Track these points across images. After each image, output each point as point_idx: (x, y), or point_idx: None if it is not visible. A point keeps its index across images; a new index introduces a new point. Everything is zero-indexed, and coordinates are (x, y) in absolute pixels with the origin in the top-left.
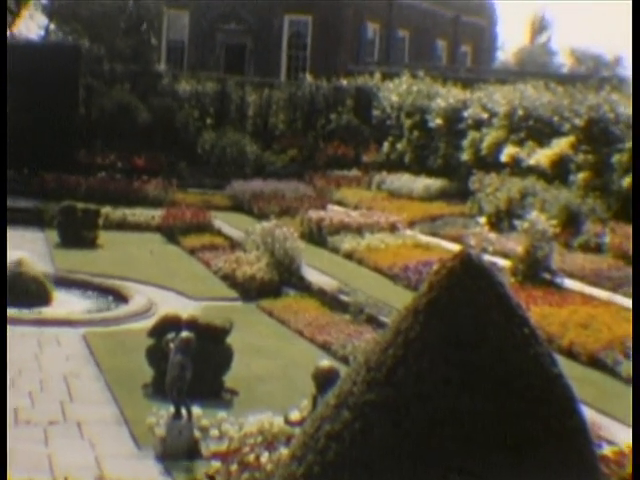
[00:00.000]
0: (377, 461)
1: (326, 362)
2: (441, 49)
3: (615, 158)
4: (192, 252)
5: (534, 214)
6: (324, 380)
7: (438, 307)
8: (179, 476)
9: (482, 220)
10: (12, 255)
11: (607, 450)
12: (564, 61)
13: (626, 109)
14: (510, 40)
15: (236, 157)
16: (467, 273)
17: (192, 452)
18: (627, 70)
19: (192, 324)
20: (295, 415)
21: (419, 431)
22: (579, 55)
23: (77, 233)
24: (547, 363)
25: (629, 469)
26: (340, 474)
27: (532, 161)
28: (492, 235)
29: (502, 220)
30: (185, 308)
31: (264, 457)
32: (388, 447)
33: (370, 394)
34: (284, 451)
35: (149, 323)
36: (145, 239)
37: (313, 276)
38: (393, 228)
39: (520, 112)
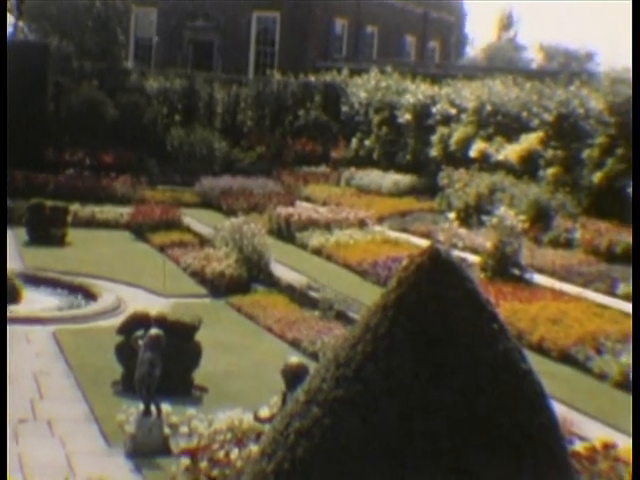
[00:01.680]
0: (347, 457)
1: (295, 358)
2: (410, 45)
3: (585, 153)
4: (161, 249)
5: (503, 209)
6: (293, 376)
7: (407, 303)
8: (149, 473)
9: (451, 216)
10: None
11: (579, 446)
12: (533, 57)
13: (597, 104)
14: (478, 36)
15: (205, 154)
16: (435, 269)
17: (162, 449)
18: (599, 65)
19: (161, 321)
20: (265, 412)
21: (388, 427)
22: (549, 50)
23: (46, 231)
24: (516, 359)
25: (603, 464)
26: (310, 470)
27: (501, 156)
28: (461, 231)
29: (471, 216)
30: (154, 305)
31: (234, 454)
32: (358, 443)
33: (339, 390)
34: (254, 448)
35: (118, 320)
36: (114, 237)
37: (282, 272)
38: (362, 224)
39: (489, 108)
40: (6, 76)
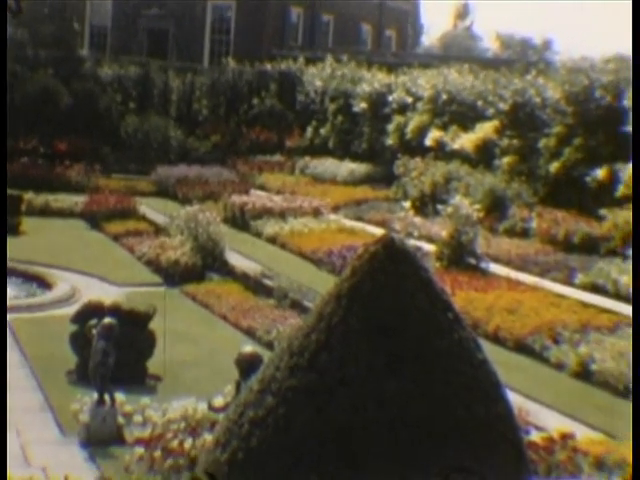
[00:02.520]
0: (301, 446)
1: (249, 347)
2: (366, 34)
3: (542, 143)
4: (116, 238)
5: (458, 198)
6: (247, 366)
7: (361, 292)
8: (103, 462)
9: (407, 204)
10: None
11: (536, 436)
12: (489, 46)
13: (554, 93)
14: (435, 25)
15: (160, 142)
16: (390, 258)
17: (116, 438)
18: (556, 54)
19: (115, 310)
20: (219, 401)
21: (343, 416)
22: (505, 39)
23: None
24: (472, 348)
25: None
26: (264, 460)
27: (456, 145)
28: (417, 219)
29: (427, 204)
30: (109, 294)
31: (188, 443)
32: (312, 432)
33: (293, 379)
34: (208, 437)
35: (73, 310)
36: (68, 225)
37: (236, 260)
38: (316, 212)
39: (444, 96)
40: (6, 74)
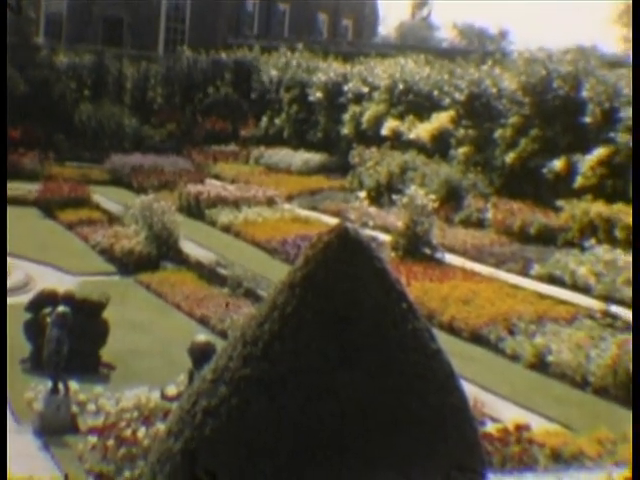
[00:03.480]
0: (254, 436)
1: (202, 336)
2: (322, 23)
3: (498, 133)
4: (70, 227)
5: (413, 189)
6: (200, 355)
7: (314, 281)
8: (57, 451)
9: (362, 194)
10: None
11: (491, 427)
12: (447, 35)
13: (510, 84)
14: (392, 15)
15: (114, 130)
16: (344, 247)
17: (70, 427)
18: (513, 44)
19: (69, 299)
20: (172, 390)
21: (296, 406)
22: (462, 29)
23: None
24: (426, 338)
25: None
26: (217, 449)
27: (412, 135)
28: (372, 209)
29: (382, 194)
30: (63, 283)
31: (141, 432)
32: (265, 422)
33: (246, 369)
34: (161, 426)
35: (27, 298)
36: (22, 213)
37: (191, 249)
38: (271, 202)
39: (401, 86)
40: (6, 74)
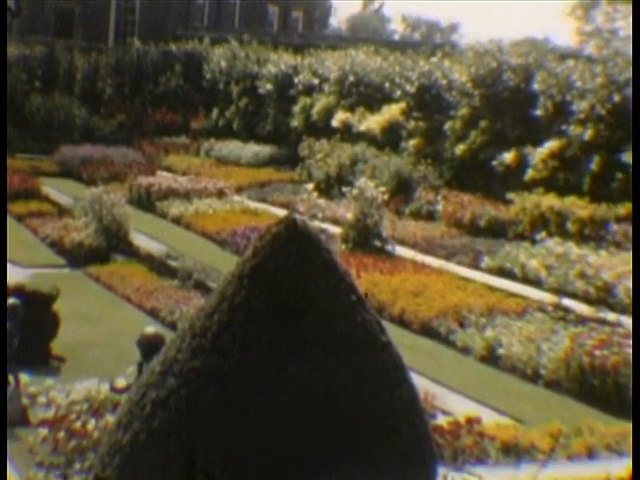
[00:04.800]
0: (203, 428)
1: (151, 328)
2: (272, 15)
3: (448, 125)
4: (19, 219)
5: (363, 181)
6: (149, 346)
7: (263, 273)
8: (8, 443)
9: (311, 186)
10: None
11: (441, 420)
12: (397, 28)
13: (460, 76)
14: (343, 7)
15: (64, 121)
16: (292, 239)
17: (21, 419)
18: (463, 37)
19: (19, 291)
20: (121, 382)
21: (245, 398)
22: (412, 22)
23: None
24: (375, 331)
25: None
26: (166, 441)
27: (363, 127)
28: (322, 201)
29: (332, 187)
30: (12, 275)
31: (91, 424)
32: (214, 414)
33: (195, 361)
34: (110, 418)
35: None
36: None
37: (141, 241)
38: (221, 194)
39: (351, 78)
40: (6, 74)
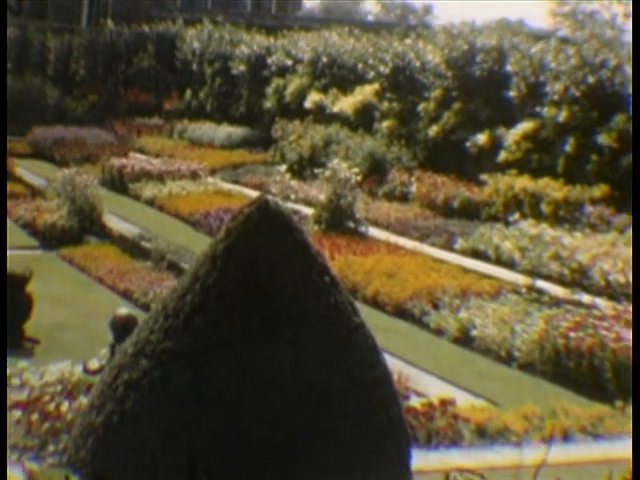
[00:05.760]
0: (177, 409)
1: (124, 310)
2: None
3: (421, 106)
4: None
5: (336, 162)
6: (122, 328)
7: (235, 253)
8: None
9: (284, 168)
10: None
11: (415, 402)
12: (371, 9)
13: (434, 57)
14: None
15: (36, 102)
16: (264, 219)
17: None
18: (437, 19)
19: None
20: (94, 364)
21: (218, 379)
22: (386, 3)
23: None
24: (348, 312)
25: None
26: (139, 423)
27: (336, 108)
28: (294, 183)
29: (305, 168)
30: None
31: (64, 406)
32: (187, 396)
33: (168, 342)
34: (84, 400)
35: None
36: None
37: (114, 223)
38: (194, 176)
39: (324, 59)
40: (6, 74)
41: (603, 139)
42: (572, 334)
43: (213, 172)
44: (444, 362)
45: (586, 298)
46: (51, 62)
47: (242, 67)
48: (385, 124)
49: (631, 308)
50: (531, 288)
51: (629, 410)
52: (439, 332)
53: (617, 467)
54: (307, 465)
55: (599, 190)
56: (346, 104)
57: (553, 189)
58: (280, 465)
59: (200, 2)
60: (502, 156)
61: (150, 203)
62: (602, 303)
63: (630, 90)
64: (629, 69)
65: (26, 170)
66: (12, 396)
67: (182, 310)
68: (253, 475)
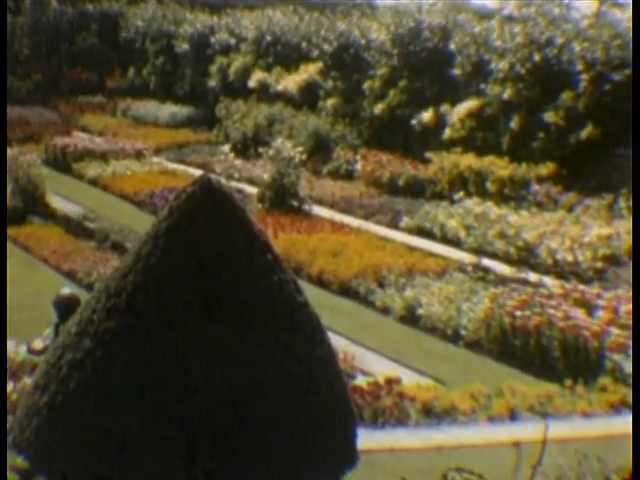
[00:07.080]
0: (120, 389)
1: (67, 289)
2: None
3: (366, 84)
4: None
5: (280, 141)
6: (65, 308)
7: (178, 232)
8: None
9: (227, 147)
10: None
11: (361, 381)
12: None
13: (379, 35)
14: None
15: None
16: (207, 198)
17: None
18: None
19: None
20: (38, 344)
21: (161, 359)
22: None
23: None
24: (292, 290)
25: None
26: (83, 402)
27: (280, 87)
28: (238, 162)
29: (249, 147)
30: None
31: (9, 387)
32: (130, 375)
33: (110, 322)
34: (28, 381)
35: None
36: None
37: (58, 203)
38: (139, 155)
39: (268, 38)
40: (6, 74)
41: (549, 117)
42: (519, 312)
43: (158, 152)
44: (390, 341)
45: (533, 277)
46: None
47: (185, 46)
48: (330, 102)
49: (594, 291)
50: (477, 266)
51: (579, 389)
52: (385, 311)
53: (566, 446)
54: (251, 445)
55: (546, 168)
56: (290, 83)
57: (498, 167)
58: (225, 447)
59: None
60: (447, 134)
61: (94, 183)
62: (550, 282)
63: (579, 67)
64: (577, 46)
65: None
66: None
67: (124, 289)
68: (198, 456)
